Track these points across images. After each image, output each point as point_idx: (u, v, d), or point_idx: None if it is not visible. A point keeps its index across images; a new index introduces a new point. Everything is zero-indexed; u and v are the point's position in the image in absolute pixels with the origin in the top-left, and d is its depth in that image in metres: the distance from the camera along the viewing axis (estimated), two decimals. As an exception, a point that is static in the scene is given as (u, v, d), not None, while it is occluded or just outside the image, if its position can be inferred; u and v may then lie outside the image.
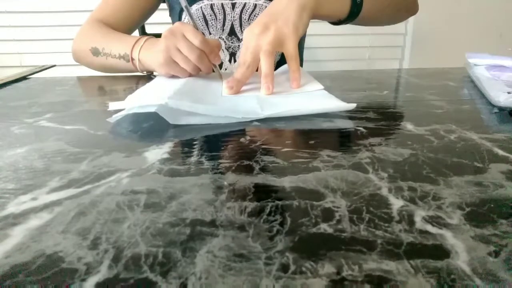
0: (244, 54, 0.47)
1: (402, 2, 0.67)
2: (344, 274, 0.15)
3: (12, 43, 1.45)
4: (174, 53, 0.49)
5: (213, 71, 0.53)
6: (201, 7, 0.70)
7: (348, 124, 0.34)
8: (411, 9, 0.69)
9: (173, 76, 0.52)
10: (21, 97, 0.48)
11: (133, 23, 0.73)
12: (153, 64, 0.54)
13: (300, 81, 0.46)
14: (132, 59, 0.57)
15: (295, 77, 0.46)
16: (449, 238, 0.17)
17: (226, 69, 0.74)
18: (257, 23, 0.47)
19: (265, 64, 0.44)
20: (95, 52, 0.62)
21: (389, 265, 0.15)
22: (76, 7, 1.40)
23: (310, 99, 0.41)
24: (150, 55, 0.54)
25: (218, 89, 0.46)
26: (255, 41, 0.46)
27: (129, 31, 0.73)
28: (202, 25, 0.71)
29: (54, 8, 1.41)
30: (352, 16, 0.56)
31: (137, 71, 0.59)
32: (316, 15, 0.51)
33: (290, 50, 0.46)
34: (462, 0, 1.51)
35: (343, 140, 0.31)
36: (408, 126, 0.33)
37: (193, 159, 0.27)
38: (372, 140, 0.30)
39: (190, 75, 0.51)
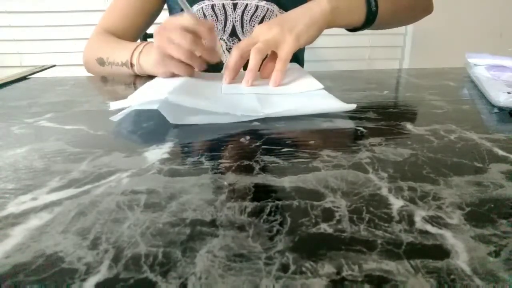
0: (241, 42, 0.48)
1: (416, 4, 0.67)
2: (344, 274, 0.15)
3: (12, 43, 1.46)
4: (166, 45, 0.47)
5: (209, 66, 0.52)
6: (202, 8, 0.70)
7: (348, 124, 0.34)
8: (426, 9, 0.69)
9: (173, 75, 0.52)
10: (21, 97, 0.48)
11: (140, 28, 0.74)
12: (149, 66, 0.53)
13: (278, 83, 0.46)
14: (132, 65, 0.58)
15: (276, 76, 0.46)
16: (449, 238, 0.17)
17: None
18: (267, 23, 0.50)
19: (252, 60, 0.46)
20: (101, 62, 0.64)
21: (389, 265, 0.15)
22: (76, 7, 1.40)
23: (310, 99, 0.41)
24: (147, 58, 0.55)
25: (218, 87, 0.46)
26: (255, 34, 0.48)
27: (136, 36, 0.74)
28: None
29: (54, 8, 1.41)
30: (368, 23, 0.57)
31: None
32: (331, 27, 0.53)
33: (282, 53, 0.47)
34: (462, 0, 1.51)
35: (343, 140, 0.31)
36: (408, 126, 0.33)
37: (193, 159, 0.27)
38: (372, 140, 0.30)
39: (188, 72, 0.49)
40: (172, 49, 0.47)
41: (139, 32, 0.75)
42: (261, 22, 0.70)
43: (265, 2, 0.70)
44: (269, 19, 0.70)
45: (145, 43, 0.58)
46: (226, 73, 0.48)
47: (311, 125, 0.34)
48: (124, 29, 0.70)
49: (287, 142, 0.30)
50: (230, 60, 0.47)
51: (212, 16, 0.70)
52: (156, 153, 0.28)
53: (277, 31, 0.47)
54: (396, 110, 0.40)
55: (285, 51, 0.47)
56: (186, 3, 0.47)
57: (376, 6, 0.55)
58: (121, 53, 0.60)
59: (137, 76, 0.60)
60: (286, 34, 0.47)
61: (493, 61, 0.53)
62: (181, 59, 0.47)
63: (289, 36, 0.47)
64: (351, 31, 0.60)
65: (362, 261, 0.15)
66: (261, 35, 0.48)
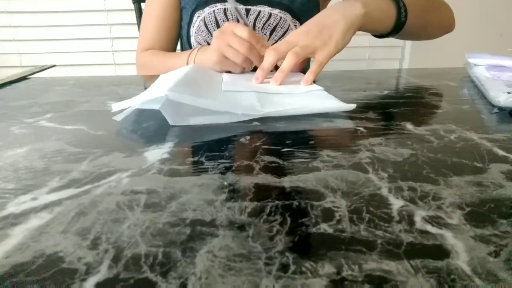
0: (279, 46, 0.49)
1: (444, 22, 0.68)
2: (344, 274, 0.15)
3: (12, 43, 1.45)
4: (225, 49, 0.52)
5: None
6: (213, 11, 0.69)
7: (348, 124, 0.34)
8: (450, 26, 0.70)
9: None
10: (21, 97, 0.48)
11: (176, 38, 0.78)
12: (207, 64, 0.57)
13: (310, 83, 0.48)
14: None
15: (308, 77, 0.48)
16: (449, 238, 0.17)
17: None
18: (305, 27, 0.50)
19: (286, 61, 0.47)
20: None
21: (389, 265, 0.15)
22: (76, 7, 1.40)
23: (310, 99, 0.41)
24: (204, 57, 0.58)
25: (219, 84, 0.46)
26: (293, 38, 0.49)
27: (175, 46, 0.80)
28: (214, 30, 0.71)
29: (54, 8, 1.41)
30: (394, 32, 0.58)
31: None
32: (361, 30, 0.54)
33: (321, 57, 0.49)
34: (462, 0, 1.51)
35: (343, 140, 0.31)
36: (408, 126, 0.33)
37: (193, 159, 0.27)
38: (372, 140, 0.30)
39: (241, 70, 0.55)
40: (230, 54, 0.52)
41: (176, 42, 0.79)
42: (273, 30, 0.70)
43: (278, 10, 0.70)
44: (282, 28, 0.71)
45: (198, 47, 0.62)
46: (260, 73, 0.48)
47: (311, 125, 0.34)
48: (162, 45, 0.75)
49: (287, 142, 0.30)
50: (266, 61, 0.48)
51: (223, 21, 0.70)
52: (156, 153, 0.28)
53: (317, 39, 0.49)
54: (396, 110, 0.40)
55: (324, 55, 0.48)
56: (243, 14, 0.53)
57: (405, 17, 0.56)
58: (177, 62, 0.63)
59: (137, 76, 0.60)
60: (325, 41, 0.49)
61: (493, 61, 0.53)
62: (238, 63, 0.53)
63: (329, 44, 0.49)
64: (377, 36, 0.61)
65: (362, 261, 0.15)
66: (300, 41, 0.48)
